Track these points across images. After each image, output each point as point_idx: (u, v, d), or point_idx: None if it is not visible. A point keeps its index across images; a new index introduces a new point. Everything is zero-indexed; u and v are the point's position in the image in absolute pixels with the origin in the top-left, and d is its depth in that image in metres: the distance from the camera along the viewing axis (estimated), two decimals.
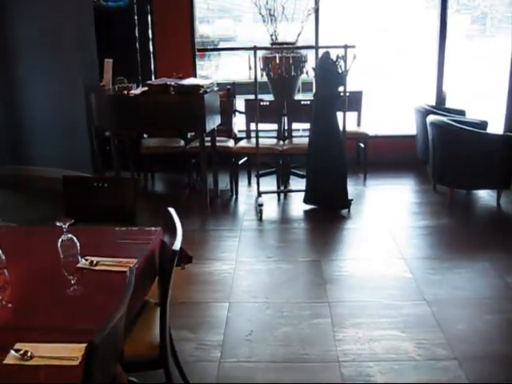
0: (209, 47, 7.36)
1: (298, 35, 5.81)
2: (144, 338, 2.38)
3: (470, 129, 5.28)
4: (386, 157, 6.49)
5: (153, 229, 2.68)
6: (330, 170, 5.02)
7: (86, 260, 2.33)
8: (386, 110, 7.65)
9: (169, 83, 5.26)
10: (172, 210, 2.51)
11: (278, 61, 5.23)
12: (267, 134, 6.23)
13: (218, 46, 7.62)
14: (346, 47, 5.03)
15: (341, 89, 5.06)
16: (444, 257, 4.32)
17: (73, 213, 2.89)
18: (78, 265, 2.26)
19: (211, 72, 7.65)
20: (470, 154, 5.32)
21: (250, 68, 5.03)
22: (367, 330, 3.27)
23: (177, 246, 2.17)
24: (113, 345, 1.81)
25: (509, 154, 5.39)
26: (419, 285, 3.81)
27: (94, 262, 2.33)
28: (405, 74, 8.05)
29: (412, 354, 3.05)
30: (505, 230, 4.97)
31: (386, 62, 8.04)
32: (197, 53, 6.85)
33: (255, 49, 5.09)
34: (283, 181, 5.79)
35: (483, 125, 5.76)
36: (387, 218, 5.04)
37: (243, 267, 4.13)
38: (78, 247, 2.19)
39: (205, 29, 7.30)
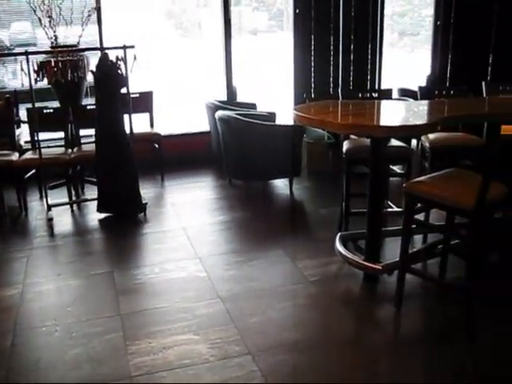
0: None
1: (80, 37, 5.55)
2: None
3: (258, 122, 5.41)
4: (183, 155, 6.47)
5: None
6: (120, 174, 4.84)
7: None
8: (182, 108, 7.63)
9: None
10: None
11: (53, 65, 4.92)
12: (57, 142, 5.91)
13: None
14: (124, 47, 4.90)
15: (124, 90, 4.92)
16: (240, 250, 4.36)
17: None
18: None
19: (8, 79, 7.10)
20: (261, 146, 5.46)
21: (21, 70, 4.71)
22: (161, 338, 3.17)
23: None
24: None
25: (297, 143, 5.62)
26: (214, 282, 3.79)
27: None
28: (200, 71, 8.10)
29: (206, 356, 3.00)
30: (296, 216, 5.17)
31: (180, 60, 8.03)
32: None
33: (27, 54, 4.76)
34: (76, 191, 5.51)
35: (272, 116, 5.93)
36: (184, 218, 4.99)
37: (31, 289, 3.82)
38: None
39: None
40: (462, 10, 7.47)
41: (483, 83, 5.02)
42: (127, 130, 4.95)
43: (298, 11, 6.95)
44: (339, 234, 4.21)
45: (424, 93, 4.74)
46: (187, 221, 4.92)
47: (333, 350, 3.11)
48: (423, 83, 7.63)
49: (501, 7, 7.36)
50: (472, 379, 2.87)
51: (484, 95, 4.93)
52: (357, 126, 3.41)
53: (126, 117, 4.96)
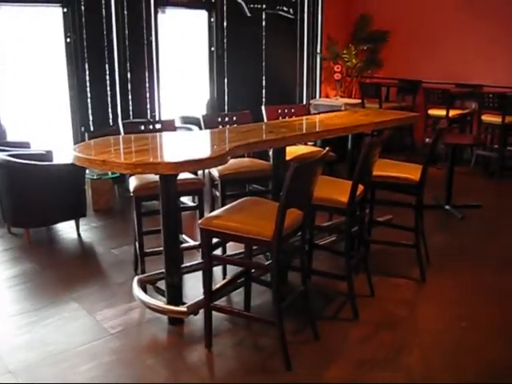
0: None
1: None
2: None
3: (33, 162, 4.98)
4: None
5: None
6: None
7: None
8: None
9: None
10: None
11: None
12: None
13: None
14: None
15: None
16: (31, 309, 3.89)
17: None
18: None
19: None
20: (39, 188, 5.05)
21: None
22: None
23: None
24: None
25: (79, 182, 5.29)
26: (2, 353, 3.31)
27: None
28: None
29: None
30: (88, 261, 4.82)
31: None
32: None
33: None
34: None
35: (48, 155, 5.52)
36: None
37: None
38: None
39: None
40: (234, 38, 7.74)
41: (263, 107, 5.13)
42: None
43: (69, 40, 6.61)
44: (136, 278, 3.97)
45: (208, 120, 4.69)
46: None
47: None
48: (203, 109, 7.74)
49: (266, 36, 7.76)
50: None
51: (265, 119, 5.03)
52: (143, 165, 3.19)
53: None
